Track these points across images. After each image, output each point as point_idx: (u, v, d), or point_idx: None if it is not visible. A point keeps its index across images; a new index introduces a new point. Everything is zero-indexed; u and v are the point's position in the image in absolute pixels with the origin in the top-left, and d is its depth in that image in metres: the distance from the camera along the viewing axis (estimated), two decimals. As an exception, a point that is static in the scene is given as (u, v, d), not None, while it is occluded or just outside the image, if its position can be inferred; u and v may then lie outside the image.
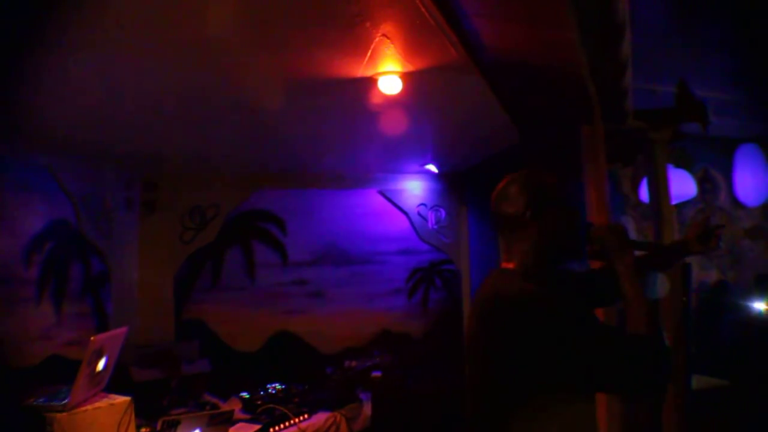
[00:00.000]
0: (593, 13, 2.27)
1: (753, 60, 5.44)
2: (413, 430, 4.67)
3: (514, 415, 1.70)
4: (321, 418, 4.43)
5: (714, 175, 7.99)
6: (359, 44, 3.00)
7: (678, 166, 6.47)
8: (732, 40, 5.03)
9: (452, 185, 5.93)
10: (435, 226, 5.88)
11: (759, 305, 6.80)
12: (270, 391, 4.76)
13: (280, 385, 4.85)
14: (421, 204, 5.88)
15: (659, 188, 3.85)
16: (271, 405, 4.39)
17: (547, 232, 1.83)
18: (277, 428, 4.16)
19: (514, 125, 3.91)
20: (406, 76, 3.33)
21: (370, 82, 3.40)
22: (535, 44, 2.73)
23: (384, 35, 2.89)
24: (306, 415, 4.38)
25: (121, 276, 5.13)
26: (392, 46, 2.99)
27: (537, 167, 1.96)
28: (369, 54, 3.08)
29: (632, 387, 1.72)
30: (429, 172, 5.69)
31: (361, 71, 3.30)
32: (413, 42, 3.00)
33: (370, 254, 5.82)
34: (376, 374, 4.96)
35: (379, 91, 3.44)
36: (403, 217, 5.84)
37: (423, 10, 2.61)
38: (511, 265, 1.87)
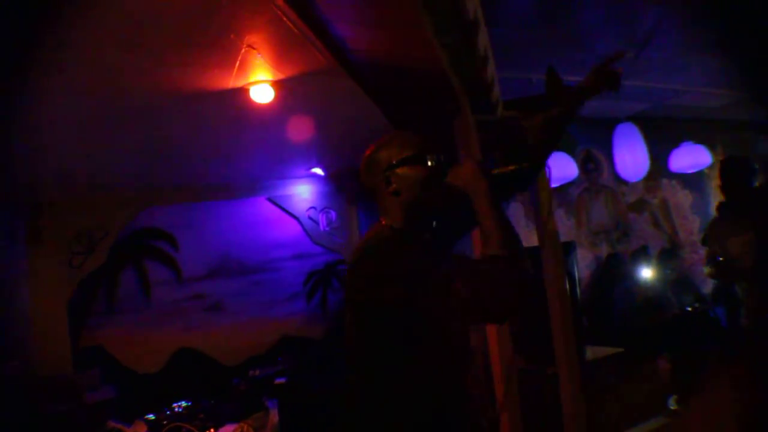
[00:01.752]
0: (445, 12, 2.37)
1: (627, 44, 5.72)
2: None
3: (381, 362, 1.78)
4: (228, 430, 4.42)
5: (596, 154, 8.36)
6: (227, 56, 3.01)
7: (560, 149, 6.74)
8: (608, 26, 5.26)
9: (340, 186, 5.99)
10: (327, 228, 5.93)
11: (645, 273, 7.17)
12: (176, 409, 4.70)
13: (186, 402, 4.80)
14: (311, 207, 5.92)
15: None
16: (176, 424, 4.35)
17: (404, 192, 1.90)
18: (183, 447, 4.13)
19: (391, 123, 4.00)
20: (277, 84, 3.37)
21: (243, 91, 3.42)
22: (397, 45, 2.81)
23: (250, 46, 2.92)
24: (212, 430, 4.36)
25: (12, 309, 4.93)
26: (260, 55, 3.02)
27: (394, 132, 2.07)
28: (237, 65, 3.10)
29: (495, 308, 1.74)
30: (316, 175, 5.73)
31: (233, 82, 3.31)
32: (281, 51, 3.05)
33: (265, 262, 5.79)
34: (281, 381, 4.97)
35: (255, 101, 3.46)
36: (295, 222, 5.87)
37: (285, 19, 2.66)
38: (382, 221, 1.95)
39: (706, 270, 4.35)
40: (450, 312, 1.71)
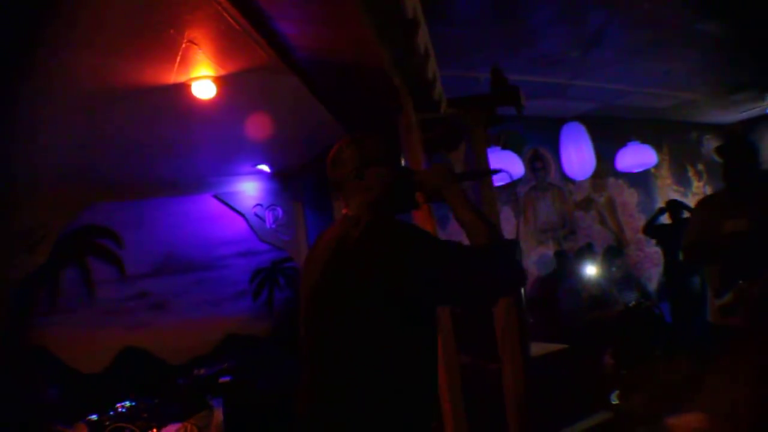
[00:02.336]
0: (385, 10, 2.37)
1: (573, 45, 5.80)
2: (268, 430, 4.68)
3: (372, 357, 1.75)
4: (171, 430, 4.35)
5: (543, 153, 8.47)
6: (168, 51, 2.98)
7: (509, 147, 6.80)
8: (555, 26, 5.32)
9: (287, 183, 5.95)
10: (273, 225, 5.89)
11: (590, 271, 7.27)
12: (119, 410, 4.61)
13: (131, 402, 4.71)
14: (258, 204, 5.87)
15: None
16: (118, 424, 4.27)
17: (376, 189, 1.97)
18: (124, 447, 4.06)
19: (336, 121, 3.99)
20: (220, 80, 3.34)
21: (185, 87, 3.38)
22: (338, 42, 2.81)
23: (190, 41, 2.89)
24: (155, 429, 4.29)
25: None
26: (201, 51, 2.99)
27: (363, 131, 2.10)
28: (178, 60, 3.06)
29: (485, 294, 1.89)
30: (263, 172, 5.69)
31: (174, 77, 3.27)
32: (222, 46, 3.02)
33: (211, 259, 5.71)
34: (226, 379, 4.92)
35: (197, 96, 3.42)
36: (241, 220, 5.81)
37: (226, 15, 2.63)
38: (345, 211, 2.03)
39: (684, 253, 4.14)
40: (452, 298, 1.92)
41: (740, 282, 3.50)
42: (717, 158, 3.94)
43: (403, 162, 2.08)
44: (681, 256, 4.10)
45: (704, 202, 4.19)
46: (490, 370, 4.34)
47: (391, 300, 1.72)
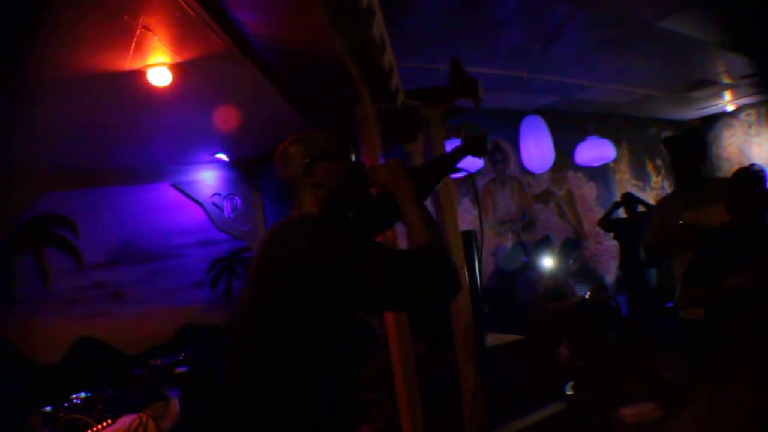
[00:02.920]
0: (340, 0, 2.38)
1: (535, 38, 5.84)
2: (226, 420, 4.65)
3: (283, 348, 1.74)
4: (126, 421, 4.31)
5: (503, 146, 8.54)
6: (122, 37, 2.94)
7: (468, 137, 6.82)
8: (517, 20, 5.35)
9: (246, 172, 5.91)
10: (231, 215, 5.85)
11: (548, 263, 7.35)
12: (74, 401, 4.55)
13: (86, 393, 4.65)
14: (216, 194, 5.82)
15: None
16: (72, 416, 4.22)
17: (325, 185, 1.94)
18: (79, 439, 4.01)
19: (295, 111, 3.98)
20: (176, 68, 3.31)
21: (141, 74, 3.34)
22: (294, 31, 2.81)
23: (144, 27, 2.85)
24: (109, 421, 4.25)
25: None
26: (156, 37, 2.96)
27: (313, 127, 2.06)
28: (133, 46, 3.03)
29: (404, 301, 1.83)
30: (221, 161, 5.65)
31: (129, 64, 3.23)
32: (178, 33, 2.99)
33: (168, 249, 5.64)
34: (182, 369, 4.89)
35: (152, 83, 3.39)
36: (199, 209, 5.75)
37: (180, 1, 2.61)
38: (294, 213, 1.99)
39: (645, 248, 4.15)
40: (378, 299, 1.77)
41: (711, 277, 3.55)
42: (665, 151, 4.02)
43: (354, 156, 2.03)
44: (642, 255, 4.13)
45: (663, 201, 4.27)
46: (445, 360, 4.39)
47: (307, 299, 1.71)
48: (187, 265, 5.69)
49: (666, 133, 11.65)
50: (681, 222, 3.84)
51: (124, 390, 4.80)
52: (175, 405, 4.64)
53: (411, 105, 3.86)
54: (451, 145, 6.33)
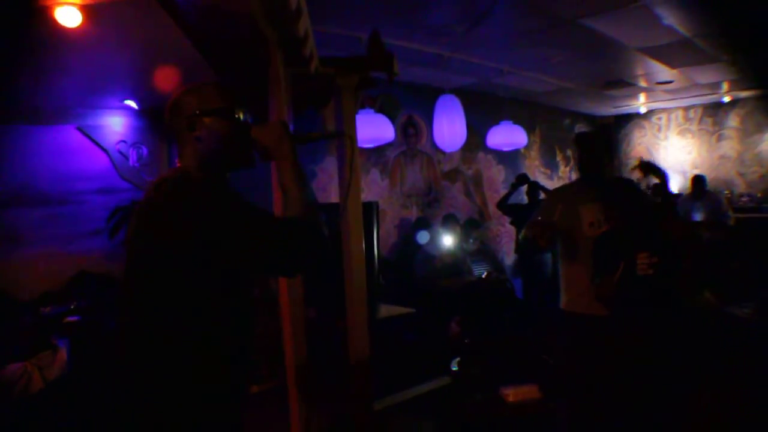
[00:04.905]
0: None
1: (460, 19, 5.89)
2: (115, 371, 4.58)
3: (167, 306, 1.78)
4: (9, 370, 4.20)
5: (417, 120, 8.63)
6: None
7: (383, 111, 6.87)
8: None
9: (154, 122, 5.75)
10: (137, 164, 5.70)
11: (448, 240, 7.50)
12: (-46, 349, 4.40)
13: (-30, 342, 4.50)
14: (122, 141, 5.64)
15: (346, 131, 4.09)
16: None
17: (207, 141, 1.95)
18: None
19: (209, 65, 3.92)
20: (86, 9, 3.21)
21: (48, 11, 3.23)
22: (210, -15, 2.77)
23: (54, -36, 2.77)
24: (-6, 370, 4.13)
25: None
26: (65, -26, 2.87)
27: (208, 82, 2.05)
28: (42, -19, 2.93)
29: (288, 266, 1.92)
30: (130, 108, 5.51)
31: (37, -1, 3.12)
32: (89, -27, 2.91)
33: (68, 194, 5.42)
34: (74, 319, 4.79)
35: (61, 23, 3.28)
36: (103, 155, 5.57)
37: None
38: (179, 167, 2.00)
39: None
40: (242, 261, 1.80)
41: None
42: (574, 146, 4.16)
43: (243, 116, 2.02)
44: (520, 238, 4.28)
45: (557, 191, 4.42)
46: (336, 327, 4.46)
47: (180, 259, 1.74)
48: (87, 212, 5.52)
49: (579, 126, 12.04)
50: (540, 218, 4.00)
51: (10, 338, 4.66)
52: (62, 355, 4.54)
53: (325, 72, 3.87)
54: (364, 114, 6.36)
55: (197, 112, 1.95)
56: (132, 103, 5.36)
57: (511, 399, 4.46)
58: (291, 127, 3.31)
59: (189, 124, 1.95)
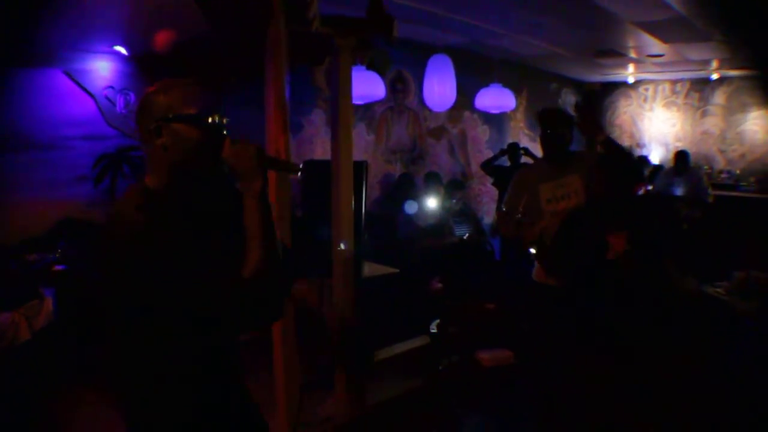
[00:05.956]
0: None
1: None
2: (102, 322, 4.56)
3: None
4: (-1, 320, 4.19)
5: (407, 77, 8.58)
6: None
7: (373, 68, 6.82)
8: None
9: (143, 68, 5.64)
10: (124, 111, 5.61)
11: (431, 201, 7.51)
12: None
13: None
14: (110, 87, 5.55)
15: (341, 93, 4.07)
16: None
17: (173, 150, 1.73)
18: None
19: (204, 16, 3.86)
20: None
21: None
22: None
23: None
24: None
25: None
26: None
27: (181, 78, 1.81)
28: None
29: (207, 326, 1.68)
30: (119, 53, 5.42)
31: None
32: None
33: (54, 139, 5.33)
34: (60, 268, 4.77)
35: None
36: (90, 101, 5.48)
37: None
38: (146, 179, 1.79)
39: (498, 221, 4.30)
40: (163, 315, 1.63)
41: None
42: (536, 123, 4.17)
43: (217, 119, 1.78)
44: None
45: (522, 172, 4.41)
46: (321, 285, 4.50)
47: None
48: (73, 158, 5.45)
49: (567, 90, 12.04)
50: (504, 209, 4.09)
51: (-2, 284, 4.62)
52: (49, 304, 4.54)
53: (324, 32, 3.83)
54: (356, 71, 6.31)
55: (168, 115, 1.71)
56: (121, 49, 5.27)
57: (486, 363, 4.55)
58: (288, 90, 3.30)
59: (156, 128, 1.71)
